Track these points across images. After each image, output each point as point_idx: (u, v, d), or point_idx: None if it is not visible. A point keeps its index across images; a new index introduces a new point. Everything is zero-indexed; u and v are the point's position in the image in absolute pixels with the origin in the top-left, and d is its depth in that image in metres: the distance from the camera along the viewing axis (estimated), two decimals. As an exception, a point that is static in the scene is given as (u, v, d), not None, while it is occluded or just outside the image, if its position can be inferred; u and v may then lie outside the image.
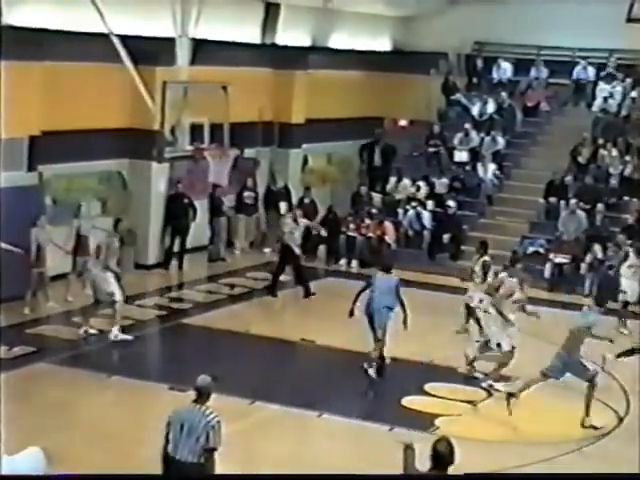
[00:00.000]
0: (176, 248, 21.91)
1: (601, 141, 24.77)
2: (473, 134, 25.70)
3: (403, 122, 27.63)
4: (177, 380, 14.08)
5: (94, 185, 20.62)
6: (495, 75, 27.59)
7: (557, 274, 21.96)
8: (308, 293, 20.09)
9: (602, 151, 24.47)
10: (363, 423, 13.74)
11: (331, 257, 23.56)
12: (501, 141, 25.70)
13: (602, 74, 26.44)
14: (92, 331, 16.75)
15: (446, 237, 23.20)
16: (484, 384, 15.16)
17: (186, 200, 21.95)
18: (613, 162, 24.16)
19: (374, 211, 23.88)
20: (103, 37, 18.74)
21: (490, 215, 24.59)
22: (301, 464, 11.96)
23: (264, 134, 24.69)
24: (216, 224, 22.95)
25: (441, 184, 24.83)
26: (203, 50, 21.50)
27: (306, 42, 25.32)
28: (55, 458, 9.67)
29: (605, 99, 25.96)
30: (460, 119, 26.68)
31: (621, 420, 14.03)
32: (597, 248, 21.50)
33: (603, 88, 26.14)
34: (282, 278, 20.89)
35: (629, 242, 20.66)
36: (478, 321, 17.79)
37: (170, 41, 21.11)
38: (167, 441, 9.17)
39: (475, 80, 28.09)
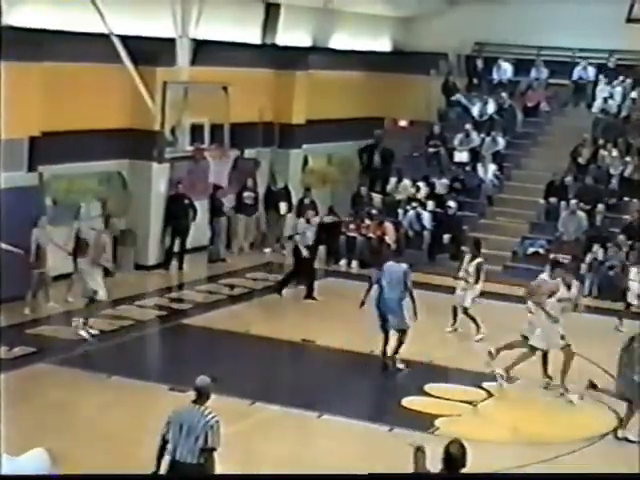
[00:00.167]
0: (176, 248, 21.90)
1: (601, 142, 24.78)
2: (473, 134, 25.70)
3: (403, 122, 27.64)
4: (177, 380, 14.08)
5: (94, 186, 20.60)
6: (495, 75, 27.58)
7: (557, 275, 21.94)
8: (310, 295, 20.05)
9: (602, 152, 24.47)
10: (363, 424, 13.73)
11: (331, 257, 23.56)
12: (501, 142, 25.70)
13: (602, 75, 26.43)
14: (92, 331, 16.73)
15: (446, 238, 23.19)
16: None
17: (186, 200, 21.95)
18: (613, 163, 24.16)
19: (374, 212, 23.87)
20: (103, 37, 18.76)
21: (490, 216, 24.60)
22: (301, 464, 11.96)
23: (264, 135, 24.69)
24: (216, 224, 22.95)
25: (441, 185, 24.84)
26: (203, 50, 21.50)
27: (306, 42, 25.32)
28: (55, 458, 9.67)
29: (605, 100, 25.95)
30: (460, 120, 26.69)
31: (621, 420, 14.01)
32: (597, 249, 21.50)
33: (603, 89, 26.14)
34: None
35: (629, 242, 20.68)
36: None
37: (170, 41, 21.11)
38: (163, 441, 9.21)
39: (475, 81, 28.09)
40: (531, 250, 22.90)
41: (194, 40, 21.43)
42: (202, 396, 9.24)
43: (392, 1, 26.61)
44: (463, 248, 19.04)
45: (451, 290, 18.35)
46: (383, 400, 15.20)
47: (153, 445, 9.40)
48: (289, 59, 24.58)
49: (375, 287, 16.03)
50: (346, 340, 17.09)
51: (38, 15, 17.77)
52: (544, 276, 15.59)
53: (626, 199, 23.44)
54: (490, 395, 15.06)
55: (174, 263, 21.88)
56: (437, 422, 13.70)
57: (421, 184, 24.74)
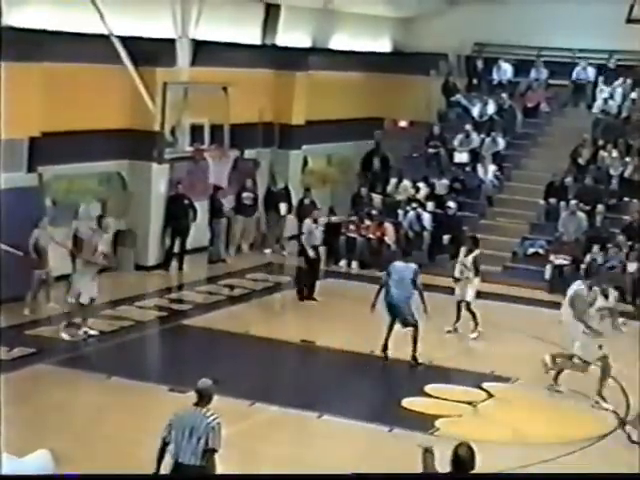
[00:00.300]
0: (176, 249, 21.89)
1: (601, 142, 24.77)
2: (473, 135, 25.69)
3: (403, 123, 27.65)
4: (177, 381, 14.08)
5: (94, 186, 20.62)
6: (495, 76, 27.59)
7: (557, 275, 21.93)
8: (310, 295, 20.03)
9: (602, 152, 24.46)
10: (363, 424, 13.72)
11: (331, 258, 23.55)
12: (501, 142, 25.70)
13: (602, 75, 26.43)
14: (92, 332, 16.73)
15: (446, 238, 23.16)
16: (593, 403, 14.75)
17: (186, 201, 21.94)
18: (613, 163, 24.15)
19: (374, 212, 23.87)
20: (103, 38, 18.75)
21: (490, 216, 24.58)
22: (301, 465, 11.94)
23: (264, 135, 24.69)
24: (216, 225, 22.94)
25: (441, 185, 24.83)
26: (203, 51, 21.50)
27: (306, 43, 25.32)
28: (57, 459, 9.67)
29: (605, 100, 25.94)
30: (460, 120, 26.68)
31: (621, 421, 14.01)
32: (596, 250, 21.47)
33: (603, 89, 26.14)
34: (282, 279, 20.86)
35: (629, 243, 20.66)
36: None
37: (170, 42, 21.11)
38: (164, 443, 9.20)
39: (475, 81, 28.10)
40: (531, 251, 22.90)
41: (194, 40, 21.44)
42: (203, 398, 9.23)
43: (392, 1, 26.61)
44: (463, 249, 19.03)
45: (451, 291, 18.35)
46: (383, 400, 15.18)
47: (153, 445, 9.39)
48: (289, 60, 24.58)
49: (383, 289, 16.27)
50: (346, 340, 17.09)
51: (38, 15, 17.77)
52: (580, 284, 15.37)
53: (626, 200, 23.43)
54: (490, 396, 15.05)
55: (174, 264, 21.87)
56: (437, 423, 13.68)
57: (421, 185, 24.73)
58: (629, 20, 24.77)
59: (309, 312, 19.51)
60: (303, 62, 25.06)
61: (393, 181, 25.19)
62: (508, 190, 25.15)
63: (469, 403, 14.74)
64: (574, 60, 27.01)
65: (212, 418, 9.10)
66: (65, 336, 16.48)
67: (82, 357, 16.02)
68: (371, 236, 23.33)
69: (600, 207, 22.91)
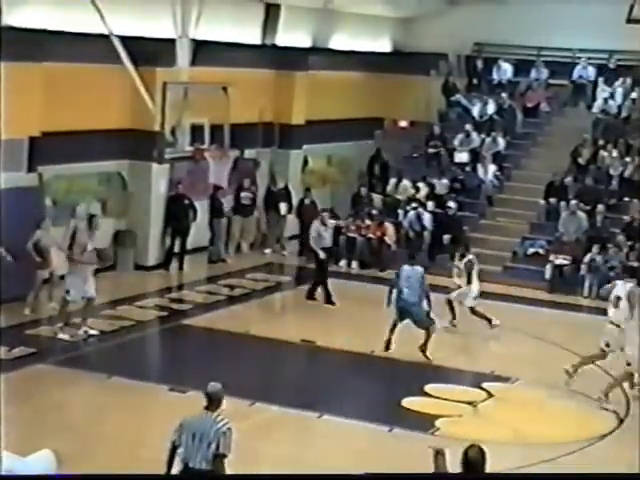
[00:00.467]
0: (176, 249, 21.88)
1: (601, 142, 24.77)
2: (473, 135, 25.69)
3: (403, 123, 27.66)
4: (177, 381, 14.10)
5: (94, 186, 20.61)
6: (495, 76, 27.59)
7: (557, 275, 21.94)
8: (311, 296, 20.00)
9: (602, 152, 24.46)
10: (363, 424, 13.72)
11: (331, 258, 23.50)
12: (501, 142, 25.69)
13: (602, 75, 26.43)
14: (92, 332, 16.72)
15: (446, 238, 23.15)
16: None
17: (186, 201, 21.93)
18: (613, 163, 24.16)
19: (374, 212, 23.86)
20: (103, 38, 18.75)
21: (490, 216, 24.58)
22: (301, 465, 11.95)
23: (264, 135, 24.68)
24: (216, 225, 22.93)
25: (441, 185, 24.82)
26: (203, 51, 21.50)
27: (306, 43, 25.31)
28: (58, 459, 9.68)
29: (605, 100, 25.95)
30: (460, 120, 26.68)
31: (621, 421, 14.01)
32: (596, 250, 21.47)
33: (603, 89, 26.14)
34: (282, 279, 20.83)
35: (629, 243, 20.64)
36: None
37: (170, 42, 21.10)
38: (173, 447, 9.14)
39: (475, 81, 28.09)
40: (531, 250, 22.90)
41: (194, 40, 21.42)
42: (213, 402, 9.15)
43: (392, 2, 26.60)
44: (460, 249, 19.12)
45: (451, 291, 18.39)
46: (383, 400, 15.16)
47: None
48: (289, 59, 24.56)
49: (394, 291, 16.42)
50: (346, 340, 17.10)
51: (38, 15, 17.77)
52: (620, 283, 15.27)
53: (626, 199, 23.43)
54: (490, 395, 15.05)
55: (174, 264, 21.86)
56: (437, 422, 13.69)
57: (421, 185, 24.72)
58: (629, 20, 24.77)
59: (309, 312, 19.49)
60: (303, 62, 25.05)
61: (393, 181, 25.19)
62: (508, 190, 25.14)
63: (469, 403, 14.74)
64: (574, 60, 27.01)
65: (222, 423, 9.04)
66: (63, 337, 16.47)
67: (82, 357, 16.02)
68: (371, 236, 23.32)
69: (600, 207, 22.91)
